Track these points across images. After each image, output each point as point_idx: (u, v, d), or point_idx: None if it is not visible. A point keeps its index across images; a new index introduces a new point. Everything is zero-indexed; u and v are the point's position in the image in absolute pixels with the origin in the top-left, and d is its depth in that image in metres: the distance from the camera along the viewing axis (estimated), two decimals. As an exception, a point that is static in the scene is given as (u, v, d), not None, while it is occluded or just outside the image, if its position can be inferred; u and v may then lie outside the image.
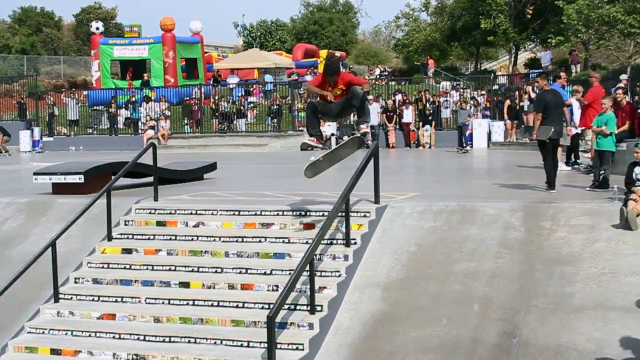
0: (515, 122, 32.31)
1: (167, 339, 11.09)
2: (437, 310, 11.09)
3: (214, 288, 12.19)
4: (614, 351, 9.87)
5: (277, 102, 39.60)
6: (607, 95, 17.85)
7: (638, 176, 13.02)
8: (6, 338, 11.86)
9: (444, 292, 11.48)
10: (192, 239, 13.60)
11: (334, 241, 12.63)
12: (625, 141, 17.20)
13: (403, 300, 11.46)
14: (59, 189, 16.76)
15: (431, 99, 37.13)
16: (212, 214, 14.16)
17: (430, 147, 34.59)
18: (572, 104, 20.41)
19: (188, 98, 41.48)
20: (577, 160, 20.60)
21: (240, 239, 13.30)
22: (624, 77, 31.73)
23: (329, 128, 36.02)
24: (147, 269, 12.98)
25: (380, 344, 10.66)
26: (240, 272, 12.40)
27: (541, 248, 12.14)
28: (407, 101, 37.05)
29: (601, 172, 15.36)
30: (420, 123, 35.50)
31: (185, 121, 40.90)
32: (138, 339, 11.23)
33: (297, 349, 10.43)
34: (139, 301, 12.19)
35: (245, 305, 11.58)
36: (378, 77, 49.66)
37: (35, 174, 17.13)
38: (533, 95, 27.70)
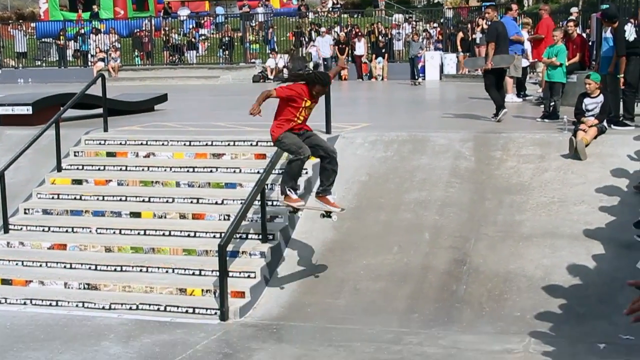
0: (468, 54, 32.29)
1: (118, 269, 11.08)
2: (388, 239, 11.18)
3: (165, 218, 12.16)
4: (561, 277, 10.04)
5: (229, 35, 39.23)
6: (557, 28, 17.91)
7: (587, 107, 13.12)
8: (-45, 269, 11.74)
9: (395, 221, 11.56)
10: (142, 170, 13.52)
11: (286, 171, 12.61)
12: (575, 73, 17.30)
13: (354, 229, 11.53)
14: (7, 120, 16.49)
15: (383, 32, 37.04)
16: (163, 144, 14.05)
17: (382, 79, 34.53)
18: (524, 36, 20.48)
19: (138, 30, 40.93)
20: (525, 92, 20.81)
21: (191, 169, 13.24)
22: (574, 9, 31.77)
23: (280, 60, 35.81)
24: (97, 199, 12.89)
25: (331, 272, 10.73)
26: (191, 202, 12.38)
27: (491, 177, 12.24)
28: (360, 33, 36.90)
29: (551, 103, 15.46)
30: (373, 55, 35.43)
31: (136, 53, 40.43)
32: (89, 268, 11.18)
33: (248, 276, 10.46)
34: (90, 231, 12.13)
35: (197, 234, 11.57)
36: (330, 9, 49.25)
37: (-18, 105, 16.83)
38: (485, 27, 27.66)
